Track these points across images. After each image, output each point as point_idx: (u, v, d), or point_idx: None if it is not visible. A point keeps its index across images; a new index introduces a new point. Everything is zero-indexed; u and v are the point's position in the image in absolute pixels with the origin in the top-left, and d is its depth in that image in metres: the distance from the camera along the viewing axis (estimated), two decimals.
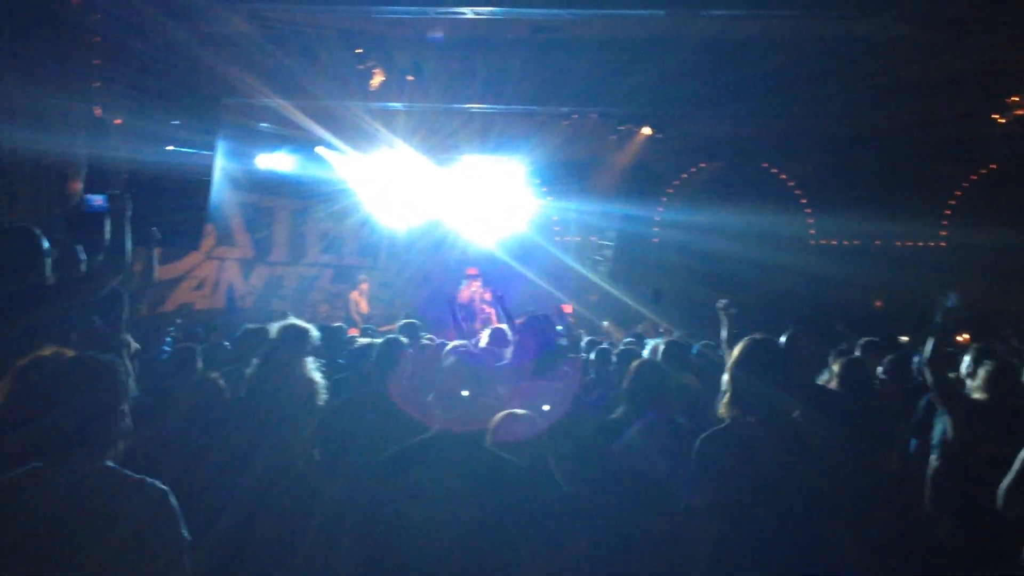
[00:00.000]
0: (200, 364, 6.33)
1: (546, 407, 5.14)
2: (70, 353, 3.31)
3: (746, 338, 4.19)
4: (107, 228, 4.95)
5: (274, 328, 5.28)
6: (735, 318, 7.16)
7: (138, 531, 2.87)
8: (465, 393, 3.74)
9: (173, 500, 2.97)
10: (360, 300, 17.12)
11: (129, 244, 4.57)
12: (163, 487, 2.98)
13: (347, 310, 16.84)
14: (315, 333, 5.23)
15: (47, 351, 3.30)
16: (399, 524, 3.40)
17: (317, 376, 4.97)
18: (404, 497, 3.42)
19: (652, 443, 4.84)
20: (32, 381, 3.06)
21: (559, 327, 11.78)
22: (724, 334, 7.09)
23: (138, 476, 2.97)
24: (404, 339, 5.98)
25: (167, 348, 8.28)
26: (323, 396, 4.86)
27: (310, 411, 4.83)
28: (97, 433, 2.96)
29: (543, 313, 6.80)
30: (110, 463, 2.98)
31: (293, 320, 5.26)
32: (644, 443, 4.85)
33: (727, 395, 4.05)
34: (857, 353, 7.43)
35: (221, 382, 5.26)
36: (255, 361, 5.32)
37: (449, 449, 3.53)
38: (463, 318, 16.11)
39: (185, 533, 2.97)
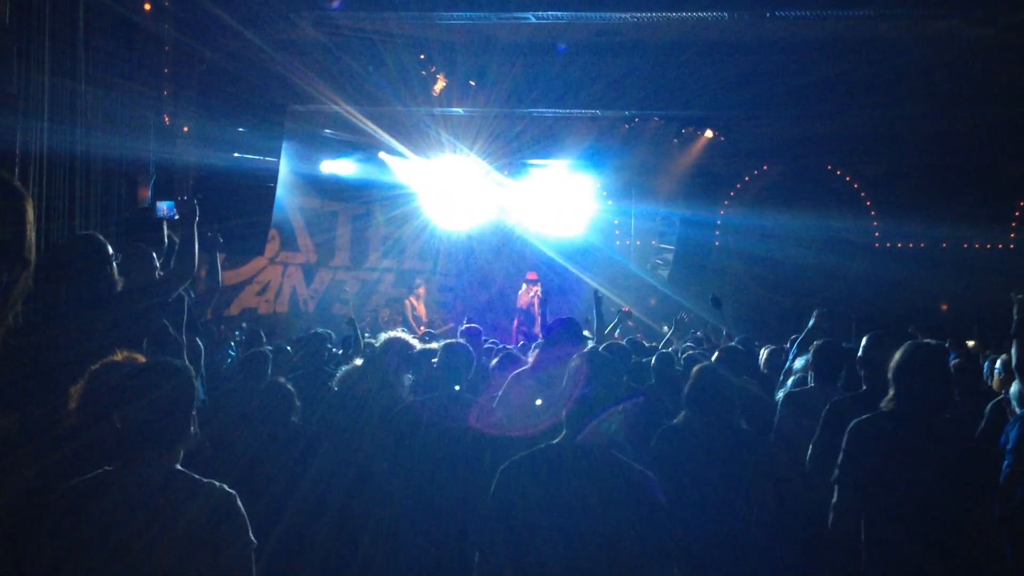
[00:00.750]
0: (270, 369, 6.42)
1: (538, 402, 5.12)
2: (141, 359, 3.37)
3: (910, 343, 4.45)
4: (165, 233, 5.07)
5: (381, 337, 5.47)
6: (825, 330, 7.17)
7: (206, 534, 2.90)
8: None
9: (240, 504, 3.01)
10: (418, 305, 17.22)
11: (196, 249, 4.66)
12: (230, 491, 3.01)
13: (404, 315, 16.96)
14: (416, 348, 5.41)
15: (119, 356, 3.36)
16: (533, 532, 3.33)
17: (404, 392, 5.14)
18: (537, 505, 3.34)
19: (711, 448, 4.80)
20: (104, 386, 3.12)
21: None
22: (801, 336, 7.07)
23: (206, 480, 3.01)
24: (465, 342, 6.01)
25: (232, 352, 8.40)
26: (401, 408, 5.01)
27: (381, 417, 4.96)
28: (167, 437, 3.00)
29: (569, 316, 6.65)
30: (179, 467, 3.03)
31: (401, 334, 5.44)
32: (702, 448, 4.81)
33: (891, 391, 4.34)
34: None
35: (290, 386, 5.35)
36: (357, 362, 5.50)
37: (579, 455, 3.44)
38: (522, 322, 16.21)
39: (251, 536, 3.01)
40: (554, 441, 3.55)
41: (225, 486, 3.02)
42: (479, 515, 3.54)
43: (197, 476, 3.02)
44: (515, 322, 16.45)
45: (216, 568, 2.88)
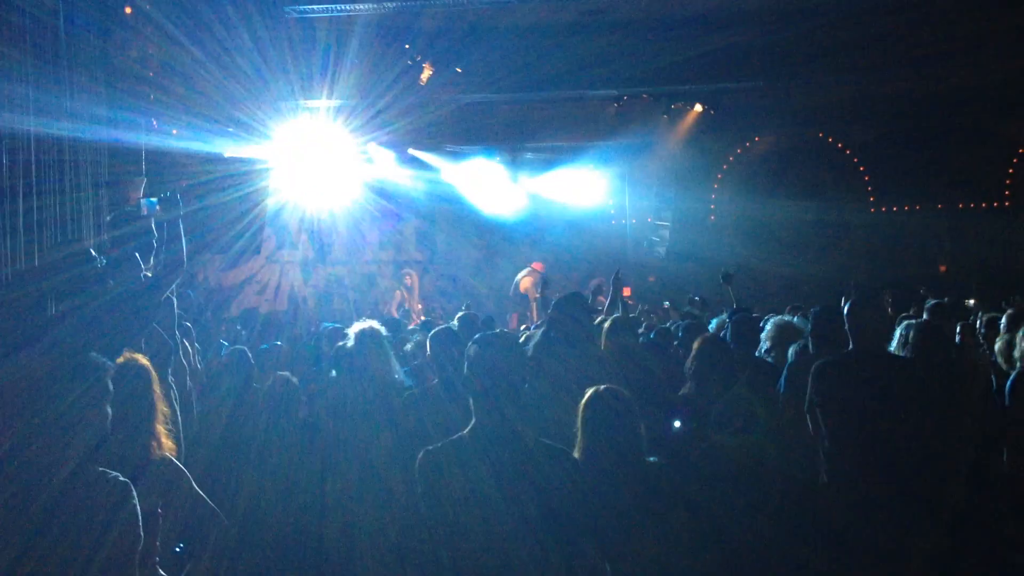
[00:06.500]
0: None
1: None
2: (142, 359, 3.38)
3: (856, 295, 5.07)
4: (155, 231, 5.02)
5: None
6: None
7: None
8: None
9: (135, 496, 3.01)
10: (407, 297, 17.01)
11: (184, 246, 4.63)
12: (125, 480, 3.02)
13: (396, 305, 16.81)
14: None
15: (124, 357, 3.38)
16: (459, 522, 3.18)
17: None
18: (459, 494, 3.19)
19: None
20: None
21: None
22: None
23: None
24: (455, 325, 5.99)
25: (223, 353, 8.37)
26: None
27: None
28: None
29: (575, 292, 6.40)
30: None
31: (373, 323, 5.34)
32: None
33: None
34: (925, 317, 7.31)
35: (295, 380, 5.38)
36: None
37: (493, 443, 3.26)
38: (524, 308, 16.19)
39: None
40: (465, 431, 3.36)
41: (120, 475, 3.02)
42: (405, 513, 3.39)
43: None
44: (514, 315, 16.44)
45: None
